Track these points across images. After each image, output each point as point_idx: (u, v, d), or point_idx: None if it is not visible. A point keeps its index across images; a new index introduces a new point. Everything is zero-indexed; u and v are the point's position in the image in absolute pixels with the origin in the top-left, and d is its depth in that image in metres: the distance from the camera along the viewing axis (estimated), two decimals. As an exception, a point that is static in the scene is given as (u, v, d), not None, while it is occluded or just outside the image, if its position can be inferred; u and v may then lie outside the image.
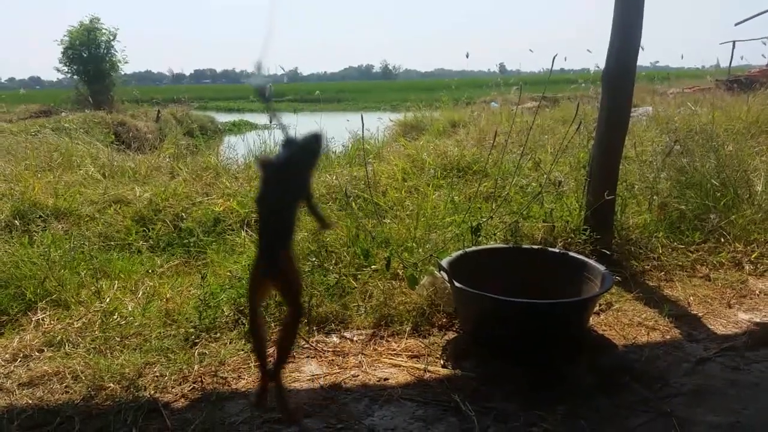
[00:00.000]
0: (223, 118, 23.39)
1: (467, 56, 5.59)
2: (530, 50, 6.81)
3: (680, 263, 3.80)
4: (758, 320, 3.14)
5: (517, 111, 6.63)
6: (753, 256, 3.88)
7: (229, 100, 39.28)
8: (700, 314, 3.21)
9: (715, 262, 3.83)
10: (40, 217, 4.59)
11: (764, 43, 14.74)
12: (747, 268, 3.78)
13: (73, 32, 19.06)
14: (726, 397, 2.43)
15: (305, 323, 3.04)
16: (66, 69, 19.54)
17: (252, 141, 7.34)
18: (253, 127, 19.32)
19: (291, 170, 1.19)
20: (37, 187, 5.09)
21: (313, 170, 1.28)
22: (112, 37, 19.49)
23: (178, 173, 5.99)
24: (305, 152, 1.22)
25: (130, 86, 22.29)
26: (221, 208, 4.69)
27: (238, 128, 20.37)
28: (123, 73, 21.18)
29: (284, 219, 1.22)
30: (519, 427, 2.24)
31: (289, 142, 1.19)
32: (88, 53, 19.14)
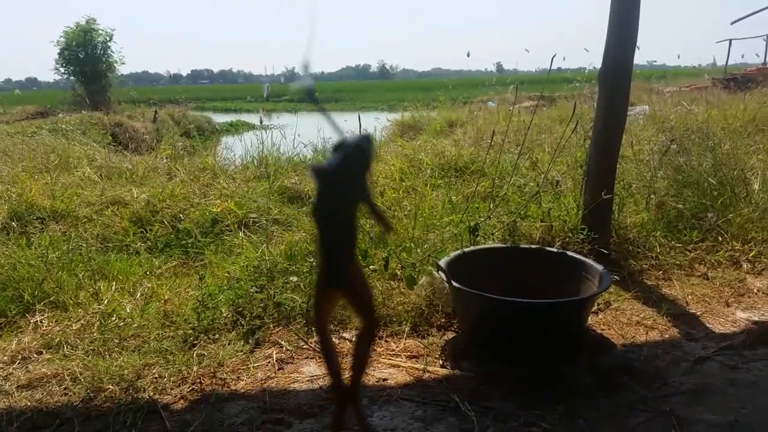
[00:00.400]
0: (220, 118, 23.35)
1: (468, 55, 5.57)
2: (526, 50, 6.82)
3: (678, 262, 3.81)
4: (756, 319, 3.14)
5: (514, 110, 6.63)
6: (751, 254, 3.89)
7: (227, 101, 39.24)
8: (698, 313, 3.21)
9: (713, 260, 3.83)
10: (38, 218, 4.58)
11: (765, 40, 14.79)
12: (745, 266, 3.79)
13: (69, 33, 19.01)
14: (725, 395, 2.44)
15: (304, 324, 3.04)
16: (63, 70, 19.50)
17: (249, 141, 7.32)
18: (250, 127, 19.31)
19: (346, 174, 1.13)
20: (34, 189, 5.07)
21: (368, 172, 1.22)
22: (108, 38, 19.46)
23: (176, 174, 5.98)
24: (358, 154, 1.16)
25: (127, 87, 22.25)
26: (219, 209, 4.68)
27: (235, 128, 20.35)
28: (120, 73, 21.15)
29: (345, 226, 1.16)
30: (518, 427, 2.24)
31: (340, 145, 1.14)
32: (85, 54, 19.10)
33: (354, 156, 1.14)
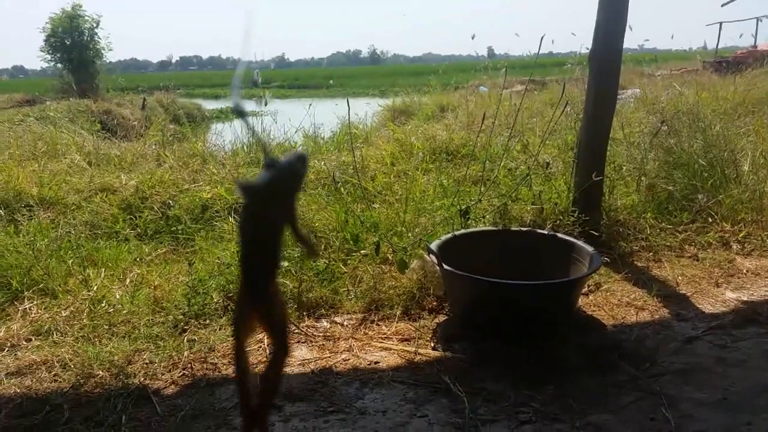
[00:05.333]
0: (209, 105, 23.15)
1: (473, 38, 5.52)
2: (516, 34, 6.78)
3: (668, 243, 3.83)
4: (745, 299, 3.17)
5: (504, 94, 6.60)
6: (740, 235, 3.91)
7: (216, 87, 38.88)
8: (688, 294, 3.23)
9: (702, 242, 3.85)
10: (26, 206, 4.53)
11: (760, 21, 14.77)
12: (734, 247, 3.81)
13: (55, 20, 18.71)
14: (714, 374, 2.46)
15: (296, 308, 3.03)
16: (49, 57, 19.22)
17: (239, 128, 7.27)
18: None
19: (274, 194, 1.11)
20: (21, 177, 5.02)
21: (298, 194, 1.20)
22: (95, 25, 19.17)
23: (165, 161, 5.92)
24: (289, 175, 1.14)
25: (115, 74, 21.98)
26: (209, 195, 4.65)
27: (225, 115, 20.18)
28: (108, 61, 20.88)
29: (268, 247, 1.14)
30: (509, 407, 2.25)
31: (271, 164, 1.11)
32: (71, 41, 18.81)
33: (284, 176, 1.12)
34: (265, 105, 6.64)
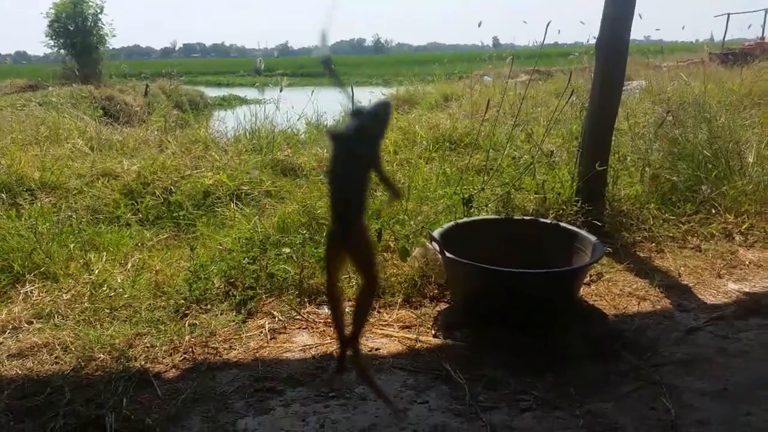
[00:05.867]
0: (212, 92, 23.07)
1: (479, 25, 5.50)
2: (524, 22, 6.71)
3: (671, 234, 3.81)
4: (747, 290, 3.16)
5: (509, 83, 6.57)
6: (743, 227, 3.90)
7: (219, 75, 38.76)
8: (690, 284, 3.22)
9: (705, 233, 3.84)
10: (27, 190, 4.53)
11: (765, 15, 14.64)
12: (737, 239, 3.80)
13: (59, 5, 18.62)
14: (715, 364, 2.46)
15: (296, 295, 3.03)
16: (52, 43, 19.15)
17: (242, 115, 7.25)
18: (242, 101, 19.11)
19: (360, 140, 1.18)
20: (23, 161, 5.01)
21: (382, 139, 1.27)
22: (98, 10, 19.09)
23: (167, 146, 5.91)
24: (375, 121, 1.20)
25: (118, 60, 21.90)
26: (211, 182, 4.65)
27: (228, 103, 20.14)
28: (111, 47, 20.80)
29: (355, 189, 1.21)
30: (509, 395, 2.25)
31: (358, 112, 1.17)
32: (75, 26, 18.74)
33: (370, 123, 1.19)
34: (281, 92, 6.62)
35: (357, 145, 1.16)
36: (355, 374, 1.80)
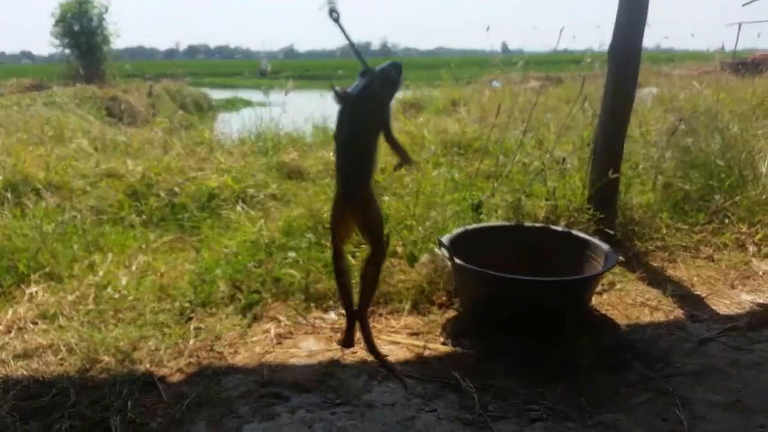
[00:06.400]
0: (217, 94, 23.07)
1: (488, 29, 5.47)
2: (534, 27, 6.68)
3: (684, 244, 3.77)
4: (761, 301, 3.13)
5: (520, 89, 6.54)
6: (757, 237, 3.85)
7: (224, 77, 38.79)
8: (703, 295, 3.18)
9: (718, 243, 3.80)
10: (32, 189, 4.51)
11: None
12: (751, 249, 3.75)
13: (64, 5, 18.70)
14: (727, 376, 2.42)
15: (303, 300, 2.99)
16: (57, 42, 19.23)
17: (248, 117, 7.23)
18: (247, 104, 19.11)
19: (368, 101, 1.11)
20: (28, 160, 5.00)
21: (392, 101, 1.20)
22: (104, 10, 19.16)
23: (172, 148, 5.90)
24: (384, 82, 1.14)
25: (122, 61, 21.95)
26: (215, 184, 4.62)
27: (232, 105, 20.12)
28: (115, 48, 20.87)
29: (362, 152, 1.15)
30: (519, 404, 2.22)
31: (366, 72, 1.11)
32: (80, 26, 18.81)
33: (378, 84, 1.12)
34: (286, 95, 6.57)
35: (365, 107, 1.10)
36: (365, 348, 1.75)
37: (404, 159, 1.31)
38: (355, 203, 1.17)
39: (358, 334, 2.03)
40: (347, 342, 1.48)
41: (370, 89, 1.09)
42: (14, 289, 3.11)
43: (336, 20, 1.11)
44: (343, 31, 1.14)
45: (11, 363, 2.44)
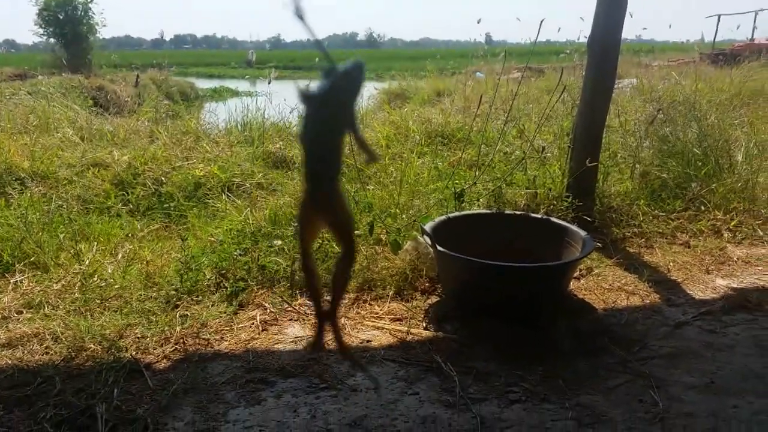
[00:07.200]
0: (203, 84, 22.94)
1: (479, 22, 5.46)
2: (517, 19, 6.73)
3: (661, 230, 3.85)
4: (735, 286, 3.20)
5: (502, 80, 6.59)
6: (732, 224, 3.94)
7: (210, 66, 38.49)
8: (679, 280, 3.25)
9: (695, 229, 3.87)
10: (17, 179, 4.50)
11: (758, 14, 14.76)
12: (726, 235, 3.84)
13: (48, -7, 18.46)
14: (702, 358, 2.48)
15: (288, 287, 3.03)
16: (42, 31, 18.97)
17: (234, 107, 7.22)
18: (234, 93, 19.01)
19: (333, 101, 1.14)
20: (12, 150, 4.98)
21: (357, 100, 1.22)
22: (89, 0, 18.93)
23: (158, 137, 5.88)
24: (348, 81, 1.16)
25: (108, 51, 21.73)
26: (202, 173, 4.63)
27: (219, 94, 20.01)
28: (101, 37, 20.64)
29: (329, 151, 1.17)
30: (499, 386, 2.27)
31: (330, 71, 1.13)
32: (65, 15, 18.56)
33: (343, 83, 1.14)
34: (269, 84, 6.56)
35: (330, 106, 1.13)
36: (337, 349, 1.77)
37: (371, 157, 1.33)
38: (324, 202, 1.19)
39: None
40: (317, 346, 1.49)
41: (334, 89, 1.12)
42: (-1, 279, 3.11)
43: (300, 18, 1.13)
44: (309, 28, 1.16)
45: (-4, 352, 2.44)
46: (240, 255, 3.21)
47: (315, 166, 1.17)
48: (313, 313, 2.80)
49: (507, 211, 3.45)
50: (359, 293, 3.03)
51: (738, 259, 3.54)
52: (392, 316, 2.83)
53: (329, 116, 1.13)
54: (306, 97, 1.12)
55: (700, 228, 3.88)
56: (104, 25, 19.59)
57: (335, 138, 1.16)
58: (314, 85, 1.15)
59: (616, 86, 4.05)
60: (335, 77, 1.12)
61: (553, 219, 3.24)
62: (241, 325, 2.72)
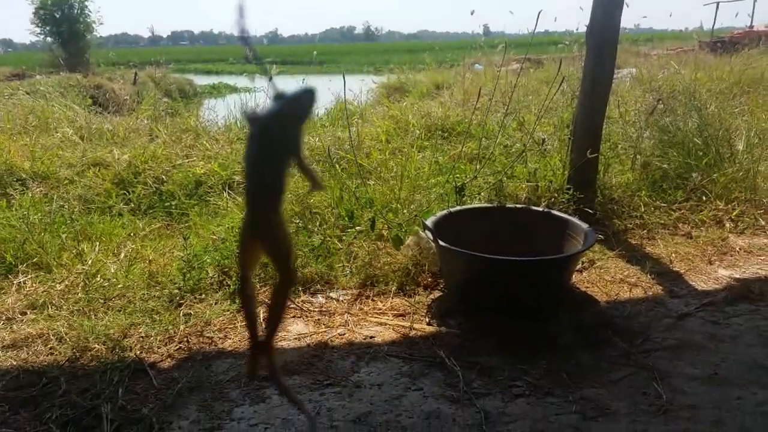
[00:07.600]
0: (201, 80, 22.87)
1: (472, 13, 5.43)
2: (510, 12, 6.68)
3: (662, 221, 3.84)
4: (738, 276, 3.20)
5: (501, 72, 6.57)
6: (734, 213, 3.93)
7: (208, 63, 38.41)
8: (681, 271, 3.25)
9: (696, 220, 3.87)
10: (18, 180, 4.50)
11: (756, 1, 14.70)
12: (728, 225, 3.83)
13: (44, -9, 18.41)
14: (705, 350, 2.49)
15: (291, 283, 3.03)
16: (38, 30, 18.94)
17: (233, 103, 7.21)
18: (232, 89, 18.96)
19: (280, 125, 1.12)
20: (12, 150, 4.97)
21: (304, 126, 1.21)
22: (84, -2, 18.88)
23: (157, 135, 5.87)
24: (296, 106, 1.14)
25: (106, 49, 21.68)
26: (202, 171, 4.63)
27: (217, 91, 19.97)
28: (98, 35, 20.62)
29: (272, 177, 1.15)
30: (503, 381, 2.28)
31: (279, 96, 1.12)
32: (61, 13, 18.54)
33: (291, 108, 1.13)
34: (270, 80, 6.52)
35: (275, 130, 1.11)
36: (270, 380, 1.73)
37: (314, 184, 1.31)
38: (264, 228, 1.17)
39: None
40: (251, 370, 1.47)
41: (280, 114, 1.10)
42: (2, 280, 3.12)
43: (246, 43, 1.13)
44: (255, 53, 1.15)
45: (0, 354, 2.46)
46: (242, 253, 3.20)
47: (256, 189, 1.15)
48: (313, 311, 2.83)
49: (508, 205, 3.45)
50: (362, 289, 3.04)
51: (740, 249, 3.54)
52: (395, 312, 2.83)
53: (272, 140, 1.11)
54: (251, 119, 1.11)
55: (702, 218, 3.87)
56: (101, 24, 19.57)
57: (278, 163, 1.14)
58: (262, 108, 1.14)
59: (615, 76, 4.03)
60: (283, 102, 1.11)
61: (555, 212, 3.23)
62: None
